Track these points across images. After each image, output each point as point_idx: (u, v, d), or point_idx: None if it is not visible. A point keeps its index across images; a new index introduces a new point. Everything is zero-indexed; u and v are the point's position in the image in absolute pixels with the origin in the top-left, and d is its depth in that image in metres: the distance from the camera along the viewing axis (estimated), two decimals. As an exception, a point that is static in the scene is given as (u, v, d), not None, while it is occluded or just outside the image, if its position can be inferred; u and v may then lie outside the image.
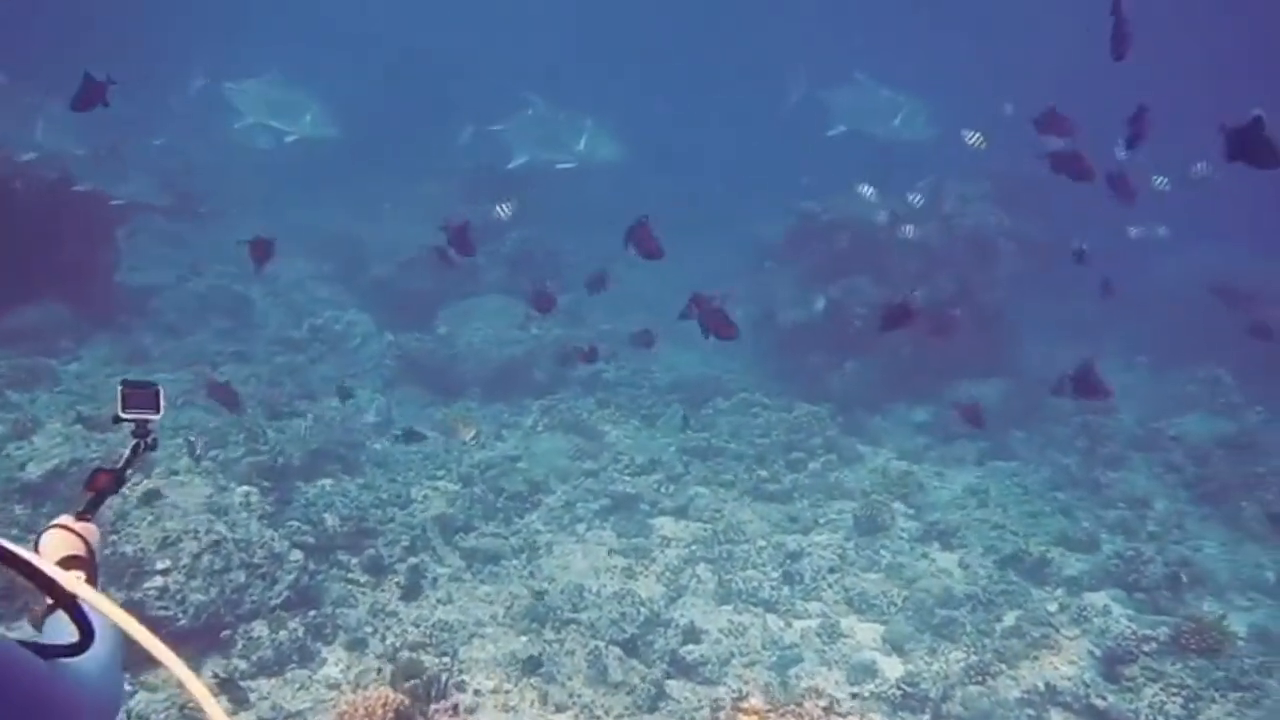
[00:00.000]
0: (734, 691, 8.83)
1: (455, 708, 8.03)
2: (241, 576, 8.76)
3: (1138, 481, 13.95)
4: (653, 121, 25.62)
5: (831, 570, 10.99)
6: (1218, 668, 8.96)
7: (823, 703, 6.65)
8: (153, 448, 3.22)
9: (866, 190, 15.13)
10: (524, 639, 9.21)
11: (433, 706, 7.88)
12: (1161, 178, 11.67)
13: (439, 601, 9.75)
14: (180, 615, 8.31)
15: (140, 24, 25.76)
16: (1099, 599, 10.76)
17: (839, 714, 6.55)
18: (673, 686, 8.87)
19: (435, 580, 10.11)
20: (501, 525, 11.50)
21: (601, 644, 9.12)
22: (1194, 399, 16.67)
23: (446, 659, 8.70)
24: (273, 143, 16.12)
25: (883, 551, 11.44)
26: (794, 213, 17.72)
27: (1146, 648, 9.09)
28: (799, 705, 6.59)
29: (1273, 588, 11.74)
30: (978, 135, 11.57)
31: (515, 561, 10.74)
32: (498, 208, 11.79)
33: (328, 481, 11.56)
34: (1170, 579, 11.12)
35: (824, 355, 16.12)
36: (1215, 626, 9.28)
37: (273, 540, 9.23)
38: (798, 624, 10.07)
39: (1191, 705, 8.54)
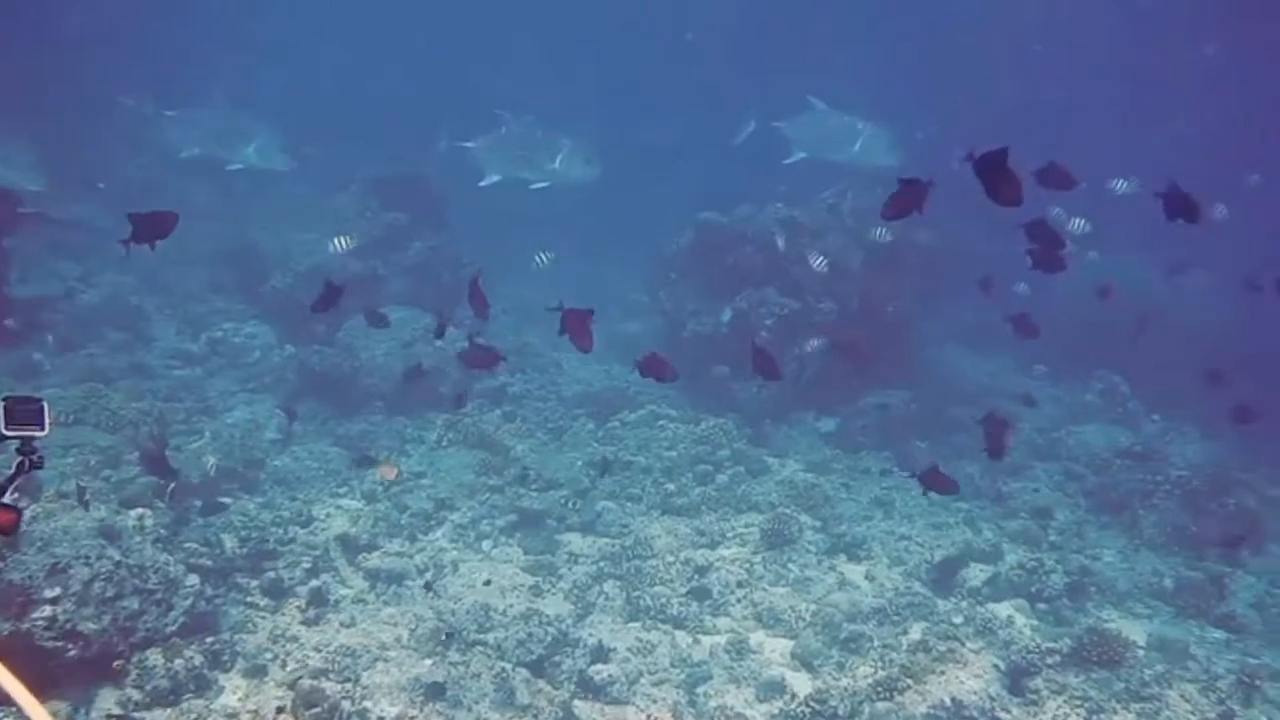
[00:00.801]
0: (642, 713, 8.77)
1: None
2: (135, 603, 8.46)
3: (1041, 491, 14.14)
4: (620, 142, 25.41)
5: (740, 585, 10.97)
6: (1119, 679, 9.08)
7: (732, 726, 6.59)
8: (38, 466, 3.07)
9: (779, 206, 15.23)
10: (429, 662, 9.05)
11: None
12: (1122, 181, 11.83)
13: (342, 625, 9.54)
14: (70, 646, 8.02)
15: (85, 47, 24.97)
16: (1003, 609, 10.87)
17: (748, 737, 6.50)
18: (581, 708, 8.79)
19: (338, 603, 9.90)
20: (406, 543, 11.31)
21: (508, 666, 9.01)
22: (1093, 408, 16.98)
23: (349, 685, 8.52)
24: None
25: (790, 565, 11.45)
26: (696, 224, 17.70)
27: (1050, 660, 9.19)
28: (708, 730, 6.52)
29: (1170, 595, 11.96)
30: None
31: (420, 581, 10.56)
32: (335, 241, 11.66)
33: (226, 500, 11.29)
34: (1071, 588, 11.29)
35: (731, 367, 16.10)
36: (1116, 638, 9.40)
37: (168, 564, 8.94)
38: (706, 640, 10.02)
39: (1094, 718, 8.64)
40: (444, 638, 9.24)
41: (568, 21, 35.28)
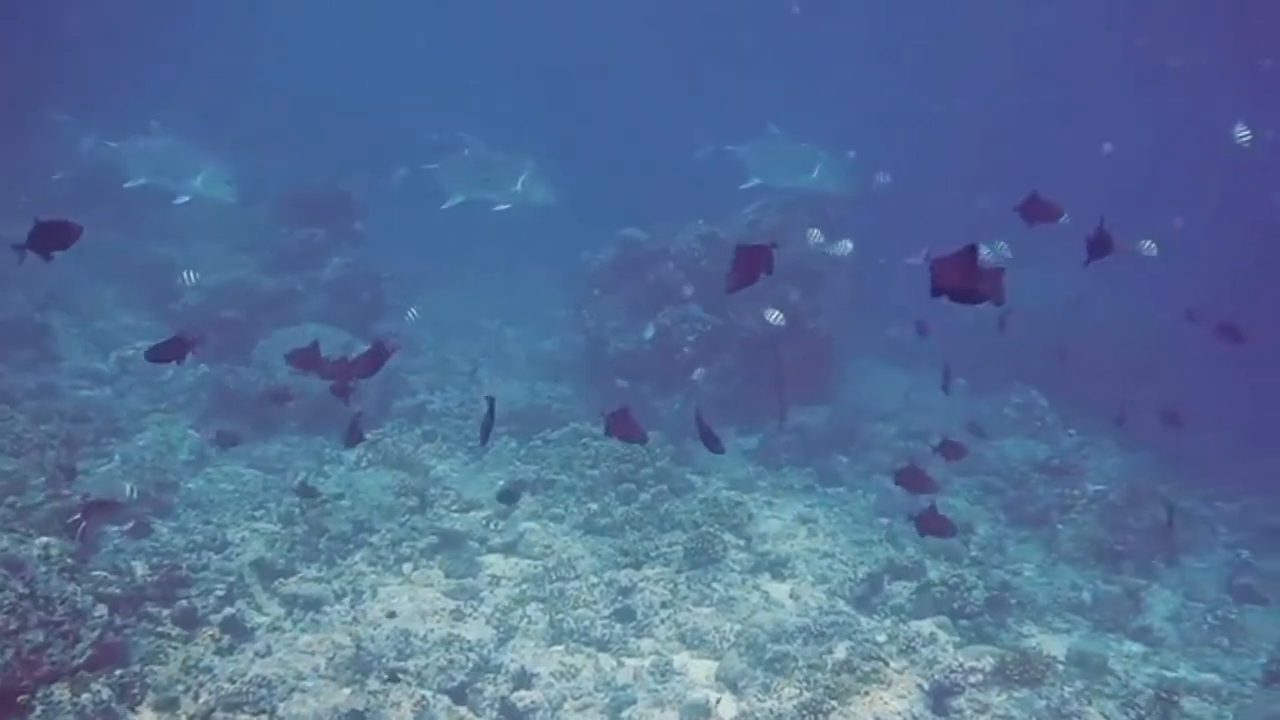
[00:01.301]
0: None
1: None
2: (40, 636, 8.17)
3: (960, 505, 14.23)
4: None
5: (664, 605, 10.87)
6: (1040, 697, 9.12)
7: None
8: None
9: (700, 223, 15.19)
10: (347, 691, 8.84)
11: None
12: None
13: (257, 654, 9.28)
14: (-29, 682, 7.73)
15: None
16: (925, 627, 10.88)
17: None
18: (504, 735, 8.65)
19: (253, 630, 9.66)
20: (324, 568, 11.09)
21: (429, 694, 8.84)
22: (1011, 422, 17.14)
23: (264, 718, 8.29)
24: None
25: (715, 585, 11.38)
26: (618, 241, 17.65)
27: (973, 679, 9.20)
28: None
29: (1088, 609, 12.09)
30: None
31: (338, 607, 10.34)
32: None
33: (136, 525, 10.99)
34: (993, 604, 11.35)
35: (653, 383, 16.06)
36: (1038, 656, 9.45)
37: (75, 595, 8.65)
38: (630, 663, 9.91)
39: (1018, 737, 8.67)
40: (386, 679, 9.01)
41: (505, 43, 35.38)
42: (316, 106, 27.41)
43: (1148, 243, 11.46)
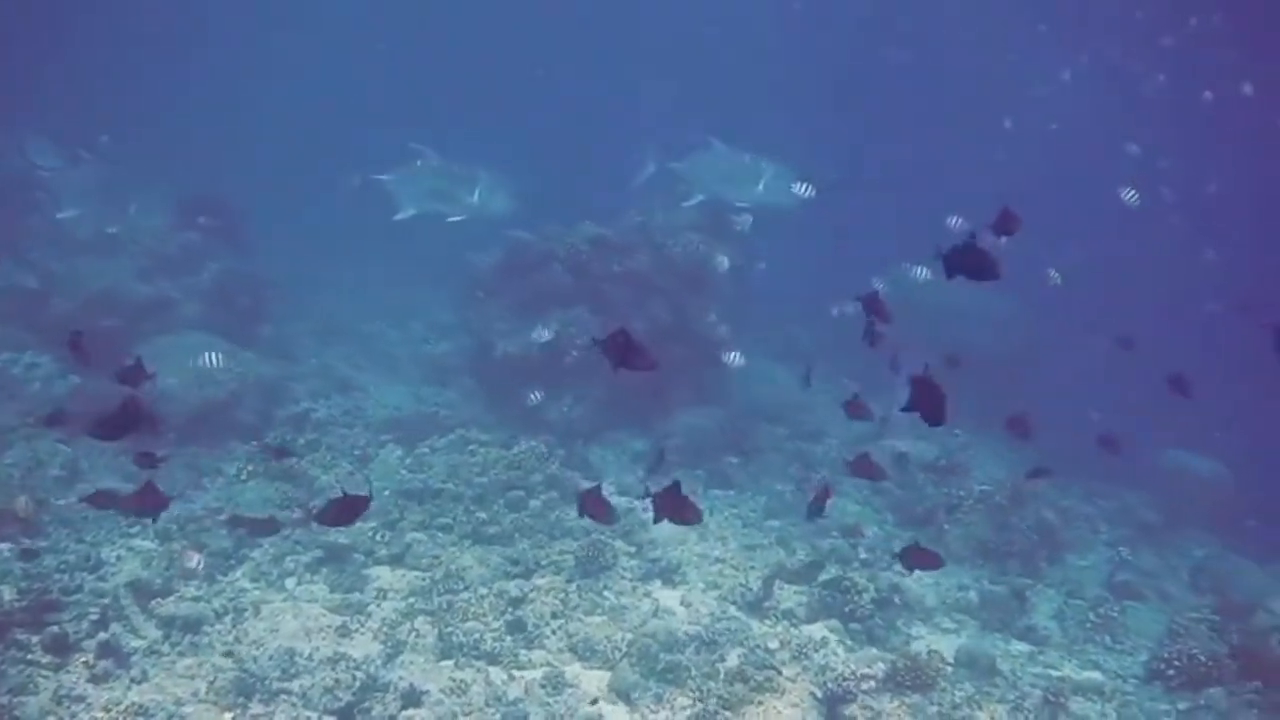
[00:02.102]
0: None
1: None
2: (-101, 669, 7.81)
3: (849, 508, 14.32)
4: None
5: (555, 616, 10.74)
6: (931, 702, 9.18)
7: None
8: None
9: (587, 224, 15.05)
10: (229, 716, 8.58)
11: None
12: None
13: (133, 681, 8.94)
14: None
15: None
16: (817, 631, 10.93)
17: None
18: (392, 756, 8.45)
19: (129, 655, 9.30)
20: (204, 586, 10.74)
21: (314, 715, 8.62)
22: (898, 421, 17.30)
23: (142, 747, 8.00)
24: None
25: (606, 593, 11.29)
26: (504, 242, 17.45)
27: (865, 686, 9.24)
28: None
29: (976, 609, 12.24)
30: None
31: (219, 627, 10.02)
32: None
33: (5, 546, 10.54)
34: (882, 606, 11.43)
35: (542, 387, 15.89)
36: (928, 662, 9.51)
37: (-63, 624, 8.28)
38: (522, 676, 9.77)
39: (909, 743, 8.71)
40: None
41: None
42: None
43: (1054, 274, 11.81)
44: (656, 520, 7.91)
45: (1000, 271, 7.03)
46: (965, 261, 7.05)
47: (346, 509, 7.60)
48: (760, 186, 15.70)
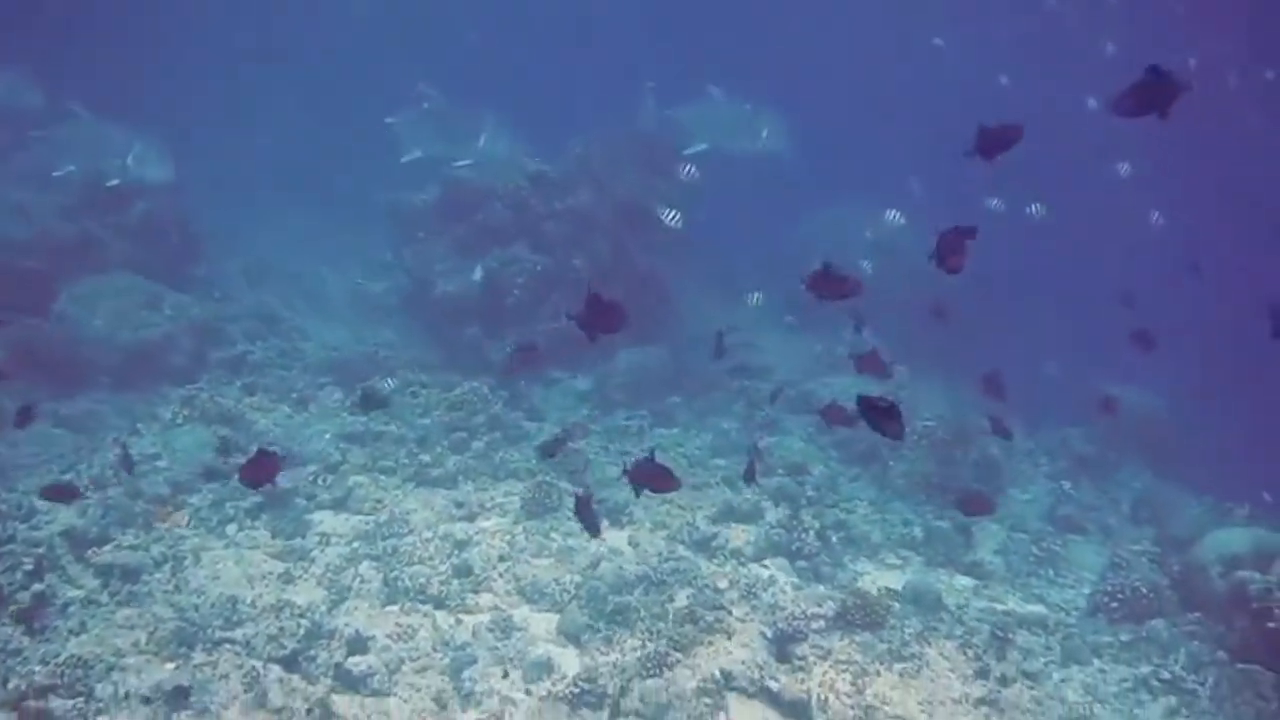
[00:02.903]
0: (405, 704, 8.39)
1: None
2: None
3: (794, 445, 14.29)
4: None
5: (501, 559, 10.64)
6: (881, 640, 9.19)
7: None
8: None
9: (525, 160, 14.85)
10: (171, 666, 8.39)
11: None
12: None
13: (71, 632, 8.72)
14: None
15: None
16: (765, 570, 10.90)
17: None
18: (340, 704, 8.31)
19: (66, 607, 9.06)
20: (142, 534, 10.49)
21: (259, 664, 8.45)
22: (841, 360, 17.28)
23: (81, 701, 7.78)
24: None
25: (553, 535, 11.19)
26: (442, 180, 17.14)
27: (814, 625, 9.22)
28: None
29: (921, 544, 12.29)
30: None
31: (158, 576, 9.80)
32: None
33: (-67, 497, 10.24)
34: (829, 544, 11.45)
35: (483, 326, 15.69)
36: (877, 600, 9.51)
37: None
38: (469, 620, 9.66)
39: (859, 681, 8.71)
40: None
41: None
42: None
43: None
44: (637, 494, 7.94)
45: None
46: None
47: (261, 466, 7.47)
48: (760, 135, 15.46)
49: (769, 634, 9.24)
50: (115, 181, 14.68)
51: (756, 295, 11.55)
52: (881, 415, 6.50)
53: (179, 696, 7.97)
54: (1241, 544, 11.56)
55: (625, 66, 23.46)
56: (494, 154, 15.06)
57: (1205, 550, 11.73)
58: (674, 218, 11.05)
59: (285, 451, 9.37)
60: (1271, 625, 9.98)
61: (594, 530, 8.69)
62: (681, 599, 9.96)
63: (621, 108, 18.65)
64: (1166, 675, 10.08)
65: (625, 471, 7.81)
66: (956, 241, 7.12)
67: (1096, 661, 10.40)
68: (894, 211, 12.20)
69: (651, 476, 7.65)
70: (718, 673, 8.67)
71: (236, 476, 7.78)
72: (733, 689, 8.68)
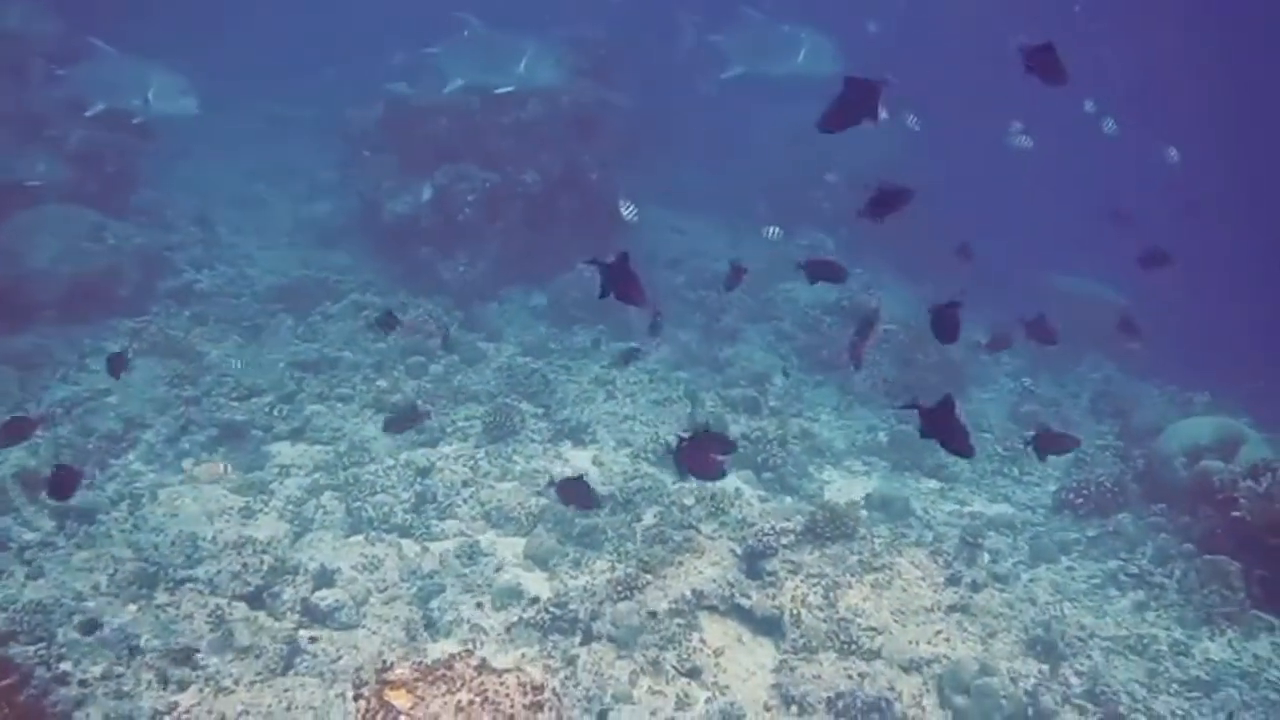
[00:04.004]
0: (375, 635, 8.30)
1: (54, 707, 7.07)
2: None
3: (755, 355, 14.21)
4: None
5: (465, 484, 10.53)
6: (851, 552, 9.16)
7: (474, 662, 6.17)
8: None
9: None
10: (133, 608, 8.24)
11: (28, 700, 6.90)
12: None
13: (29, 577, 8.54)
14: None
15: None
16: (730, 483, 10.84)
17: (492, 671, 6.10)
18: (308, 638, 8.21)
19: (23, 551, 8.86)
20: (96, 472, 10.27)
21: (223, 602, 8.32)
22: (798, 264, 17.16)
23: (42, 647, 7.62)
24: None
25: (516, 458, 11.08)
26: (386, 97, 16.71)
27: (784, 540, 9.16)
28: (449, 669, 6.08)
29: (885, 449, 12.28)
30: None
31: (115, 514, 9.61)
32: None
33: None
34: (794, 453, 11.41)
35: (434, 246, 15.40)
36: (846, 511, 9.46)
37: None
38: (435, 548, 9.56)
39: (831, 594, 8.69)
40: None
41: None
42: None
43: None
44: (683, 478, 8.24)
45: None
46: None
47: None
48: (800, 57, 15.08)
49: (739, 550, 9.19)
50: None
51: (774, 229, 11.36)
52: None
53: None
54: (1204, 434, 11.63)
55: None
56: (536, 80, 14.69)
57: (1169, 441, 11.81)
58: (631, 211, 10.86)
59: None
60: (1237, 514, 10.07)
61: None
62: (649, 518, 9.88)
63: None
64: (1134, 569, 10.20)
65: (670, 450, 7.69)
66: (950, 314, 7.31)
67: (1065, 559, 10.48)
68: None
69: (699, 460, 7.54)
70: (689, 593, 8.61)
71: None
72: (705, 608, 8.63)
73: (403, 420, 9.71)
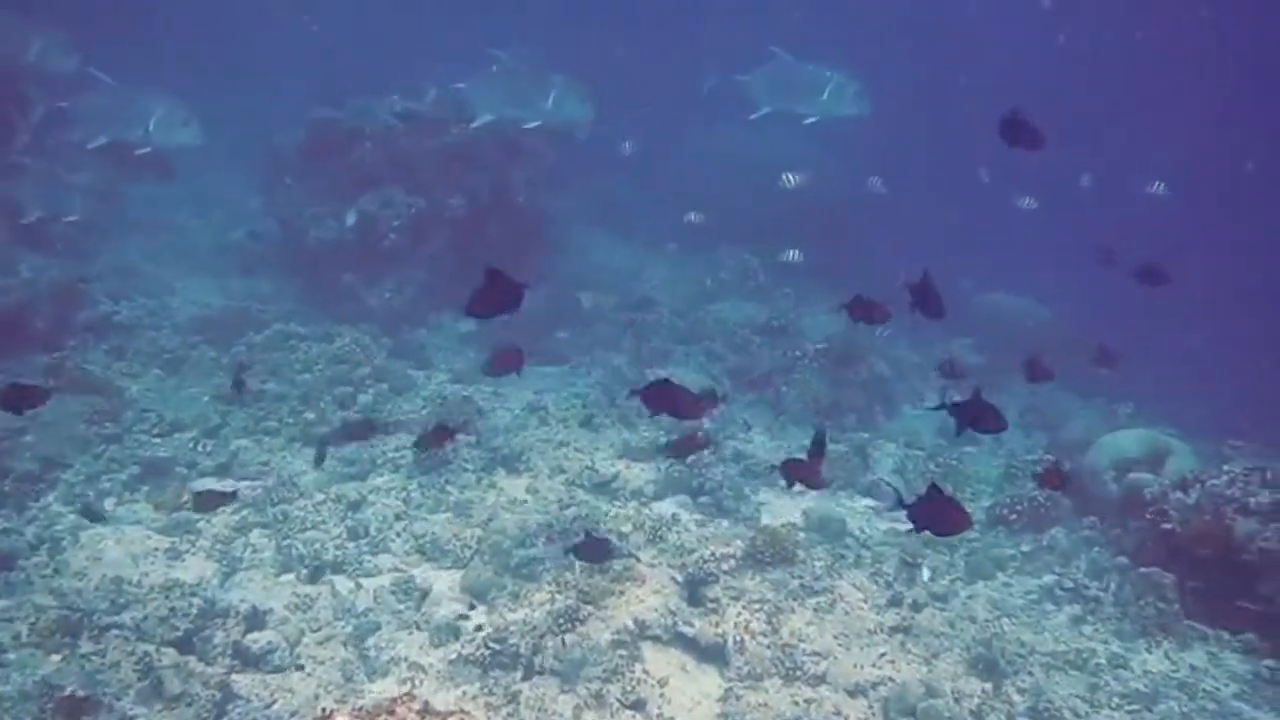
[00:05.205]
0: (310, 677, 8.09)
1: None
2: None
3: (685, 376, 14.12)
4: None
5: (398, 517, 10.33)
6: (793, 576, 9.11)
7: (416, 706, 6.00)
8: None
9: (395, 99, 14.34)
10: (56, 658, 7.95)
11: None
12: None
13: (-55, 631, 8.24)
14: None
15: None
16: (667, 508, 10.76)
17: (435, 713, 5.94)
18: (241, 683, 7.97)
19: (-62, 603, 8.54)
20: (13, 515, 9.94)
21: (152, 649, 8.05)
22: (725, 285, 17.18)
23: (-39, 705, 7.34)
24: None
25: (449, 488, 10.89)
26: (308, 122, 16.47)
27: (725, 566, 9.09)
28: (391, 714, 5.91)
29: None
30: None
31: (35, 560, 9.28)
32: None
33: None
34: (729, 477, 11.36)
35: (359, 273, 15.18)
36: (785, 535, 9.42)
37: None
38: (369, 584, 9.34)
39: (774, 620, 8.62)
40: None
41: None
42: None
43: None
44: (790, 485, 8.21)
45: None
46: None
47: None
48: (824, 96, 15.01)
49: (679, 578, 9.09)
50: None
51: (794, 253, 11.39)
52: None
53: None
54: (1133, 447, 11.82)
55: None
56: (562, 115, 14.59)
57: (1098, 455, 11.96)
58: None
59: None
60: (1167, 526, 10.19)
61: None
62: (588, 547, 9.74)
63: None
64: (1069, 584, 10.25)
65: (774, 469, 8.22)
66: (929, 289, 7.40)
67: (1001, 575, 10.51)
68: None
69: (805, 472, 7.94)
70: (631, 623, 8.50)
71: None
72: (647, 638, 8.53)
73: (434, 438, 9.47)
